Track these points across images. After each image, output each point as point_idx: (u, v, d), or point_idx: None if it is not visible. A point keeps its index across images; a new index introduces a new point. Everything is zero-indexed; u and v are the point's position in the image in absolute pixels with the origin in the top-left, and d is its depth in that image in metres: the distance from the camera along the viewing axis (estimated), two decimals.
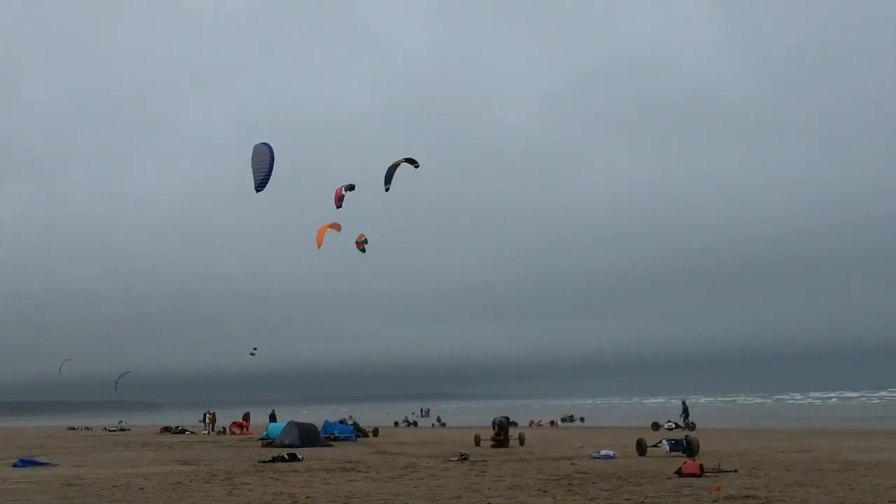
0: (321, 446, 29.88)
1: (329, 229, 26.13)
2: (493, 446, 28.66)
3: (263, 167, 22.67)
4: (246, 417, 51.13)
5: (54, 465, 22.70)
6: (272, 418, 46.56)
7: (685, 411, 47.78)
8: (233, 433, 46.79)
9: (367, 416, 79.09)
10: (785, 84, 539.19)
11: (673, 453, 22.71)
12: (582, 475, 17.59)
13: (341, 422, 42.69)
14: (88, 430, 62.56)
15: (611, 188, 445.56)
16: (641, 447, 23.69)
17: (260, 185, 22.68)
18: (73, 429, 65.31)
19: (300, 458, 22.89)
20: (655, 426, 46.09)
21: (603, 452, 23.05)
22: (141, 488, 16.22)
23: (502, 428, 29.68)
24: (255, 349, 49.86)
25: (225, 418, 56.52)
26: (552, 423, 63.13)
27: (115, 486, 16.53)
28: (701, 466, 16.92)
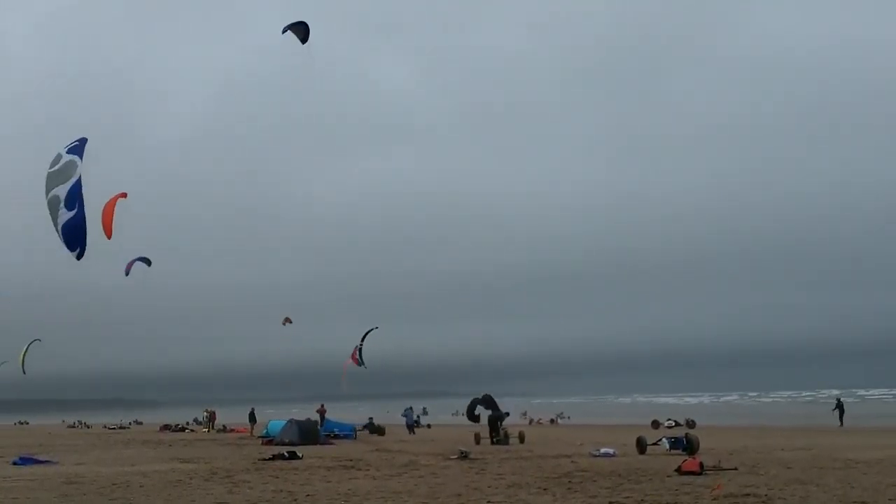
0: (321, 444, 29.92)
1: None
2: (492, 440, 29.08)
3: None
4: (251, 417, 50.65)
5: (54, 463, 22.70)
6: (251, 417, 45.63)
7: (839, 407, 45.81)
8: (232, 431, 46.84)
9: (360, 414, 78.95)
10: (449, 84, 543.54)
11: (673, 451, 22.73)
12: (582, 473, 17.58)
13: (406, 412, 44.37)
14: (88, 427, 62.61)
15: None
16: (641, 445, 23.70)
17: None
18: (73, 427, 65.37)
19: (300, 455, 22.89)
20: (655, 424, 46.08)
21: (603, 450, 23.04)
22: (141, 486, 16.23)
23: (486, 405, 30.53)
24: (3, 363, 50.78)
25: (225, 417, 56.48)
26: (552, 420, 63.16)
27: (115, 484, 16.53)
28: (701, 464, 16.91)
